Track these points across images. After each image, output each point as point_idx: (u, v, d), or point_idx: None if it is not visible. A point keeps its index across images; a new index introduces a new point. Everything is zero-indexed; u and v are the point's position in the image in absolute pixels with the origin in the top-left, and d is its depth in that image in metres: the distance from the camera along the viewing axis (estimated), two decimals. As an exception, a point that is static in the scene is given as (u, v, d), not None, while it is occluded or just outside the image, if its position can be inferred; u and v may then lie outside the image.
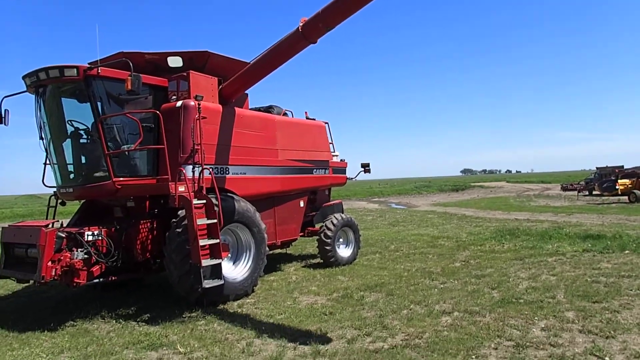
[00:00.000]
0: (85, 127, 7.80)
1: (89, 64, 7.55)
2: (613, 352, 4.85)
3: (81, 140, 7.91)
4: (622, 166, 36.36)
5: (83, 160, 8.04)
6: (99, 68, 7.22)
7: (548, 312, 6.22)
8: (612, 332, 5.38)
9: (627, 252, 10.48)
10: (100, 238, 7.17)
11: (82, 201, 8.64)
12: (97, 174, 7.67)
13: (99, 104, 7.43)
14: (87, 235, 7.02)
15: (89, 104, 7.40)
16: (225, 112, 8.37)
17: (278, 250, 11.80)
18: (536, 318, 6.03)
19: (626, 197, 29.38)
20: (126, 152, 7.68)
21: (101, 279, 7.32)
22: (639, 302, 6.55)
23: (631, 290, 7.18)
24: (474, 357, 4.89)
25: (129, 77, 6.71)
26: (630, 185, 30.18)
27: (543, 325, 5.73)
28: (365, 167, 12.23)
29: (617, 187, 30.91)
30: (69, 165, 8.06)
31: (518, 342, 5.20)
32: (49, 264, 6.51)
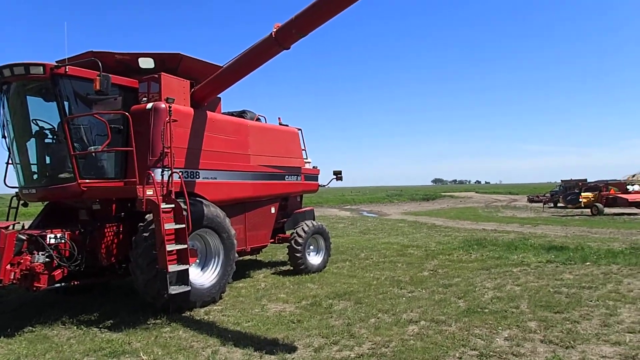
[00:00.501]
0: (50, 127, 7.59)
1: (56, 62, 7.36)
2: (572, 361, 4.98)
3: (46, 140, 7.69)
4: (586, 179, 37.56)
5: (48, 160, 7.81)
6: (67, 67, 7.05)
7: (511, 322, 6.34)
8: (572, 342, 5.53)
9: (588, 263, 10.80)
10: (63, 241, 6.96)
11: (46, 203, 8.39)
12: (62, 175, 7.46)
13: (66, 103, 7.25)
14: (49, 238, 6.81)
15: (55, 103, 7.20)
16: (196, 115, 8.27)
17: (247, 257, 11.70)
18: (500, 328, 6.14)
19: (589, 210, 30.36)
20: (93, 154, 7.50)
21: (63, 284, 7.11)
22: (598, 312, 6.76)
23: (591, 301, 7.40)
24: (438, 366, 4.94)
25: (98, 77, 6.58)
26: (592, 199, 31.19)
27: (506, 335, 5.84)
28: (338, 175, 12.26)
29: (580, 199, 31.89)
30: (32, 166, 7.82)
31: (482, 351, 5.28)
32: (8, 267, 6.29)
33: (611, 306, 7.05)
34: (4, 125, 7.78)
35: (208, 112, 8.64)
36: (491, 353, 5.23)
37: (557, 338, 5.67)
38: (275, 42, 7.27)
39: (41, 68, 6.99)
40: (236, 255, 8.41)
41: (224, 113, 9.80)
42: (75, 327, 6.64)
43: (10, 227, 6.72)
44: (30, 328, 6.62)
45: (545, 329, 6.05)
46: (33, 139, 7.67)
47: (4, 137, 7.89)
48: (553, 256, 11.80)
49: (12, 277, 6.31)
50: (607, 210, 29.95)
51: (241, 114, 10.07)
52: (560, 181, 43.62)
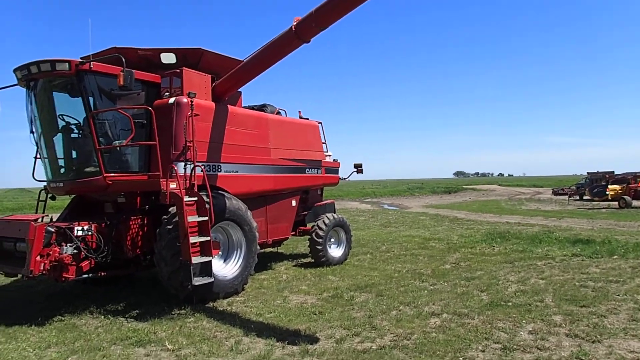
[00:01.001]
0: (76, 122, 7.75)
1: (81, 58, 7.50)
2: (599, 356, 4.89)
3: (72, 135, 7.86)
4: (613, 172, 36.67)
5: (74, 155, 7.99)
6: (91, 63, 7.18)
7: (536, 316, 6.26)
8: (598, 336, 5.43)
9: (615, 257, 10.57)
10: (90, 233, 7.12)
11: (73, 196, 8.59)
12: (87, 169, 7.63)
13: (90, 99, 7.38)
14: (77, 230, 6.96)
15: (80, 98, 7.35)
16: (218, 109, 8.34)
17: (269, 249, 11.78)
18: (524, 321, 6.06)
19: (616, 203, 29.66)
20: (118, 148, 7.64)
21: (90, 275, 7.27)
22: (626, 307, 6.62)
23: (618, 295, 7.25)
24: (461, 359, 4.91)
25: (122, 73, 6.68)
26: (620, 191, 30.46)
27: (530, 329, 5.77)
28: (358, 168, 12.24)
29: (607, 192, 31.19)
30: (59, 160, 8.01)
31: (505, 344, 5.23)
32: (38, 258, 6.45)
33: (639, 300, 6.89)
34: (31, 121, 7.99)
35: (229, 106, 8.70)
36: (515, 346, 5.18)
37: (583, 332, 5.58)
38: (295, 35, 7.26)
39: (67, 64, 7.13)
40: (258, 247, 8.49)
41: (244, 107, 9.86)
42: (102, 317, 6.81)
43: (40, 220, 6.89)
44: (60, 317, 6.81)
45: (570, 322, 5.96)
46: (60, 134, 7.85)
47: (32, 132, 8.10)
48: (579, 249, 11.58)
49: (41, 268, 6.47)
50: (635, 203, 29.19)
51: (262, 108, 10.12)
52: (586, 173, 42.68)
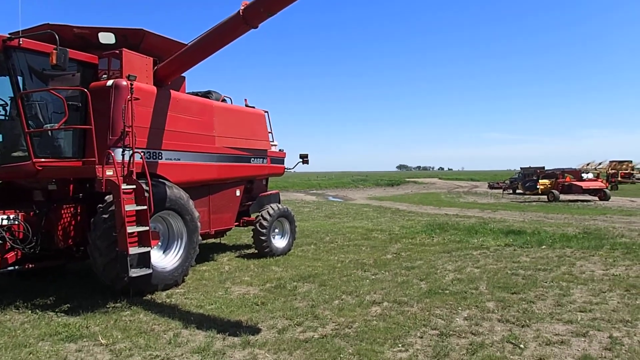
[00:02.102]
0: (2, 103, 7.22)
1: (9, 34, 6.95)
2: (527, 339, 5.17)
3: (-1, 117, 7.32)
4: (544, 167, 38.84)
5: (0, 138, 7.43)
6: (21, 39, 6.68)
7: (471, 303, 6.53)
8: (527, 321, 5.74)
9: (543, 247, 11.22)
10: (16, 222, 6.68)
11: (-2, 183, 8.02)
12: (15, 154, 7.14)
13: (19, 78, 6.89)
14: (2, 219, 6.52)
15: (7, 77, 6.84)
16: (160, 94, 8.03)
17: (212, 240, 11.56)
18: (460, 308, 6.31)
19: (546, 197, 31.48)
20: (49, 132, 7.18)
21: (16, 267, 6.85)
22: (552, 293, 7.04)
23: (545, 282, 7.70)
24: (400, 345, 5.03)
25: (54, 51, 6.26)
26: (549, 186, 32.34)
27: (466, 315, 6.01)
28: (304, 159, 12.23)
29: (538, 186, 33.02)
30: (-17, 143, 7.44)
31: (442, 330, 5.43)
32: (-44, 249, 5.99)
33: (564, 287, 7.36)
34: (-49, 101, 7.35)
35: (172, 91, 8.40)
36: (451, 332, 5.37)
37: (514, 317, 5.88)
38: (243, 20, 7.08)
39: (-8, 40, 6.60)
40: (200, 238, 8.28)
41: (188, 93, 9.56)
42: (29, 312, 6.40)
43: (-41, 208, 6.39)
44: (-19, 313, 6.35)
45: (502, 308, 6.26)
46: (-17, 116, 7.28)
47: (-49, 112, 7.46)
48: (511, 240, 12.20)
49: (-40, 260, 6.02)
50: (562, 197, 31.12)
51: (206, 95, 9.85)
52: (519, 168, 44.98)
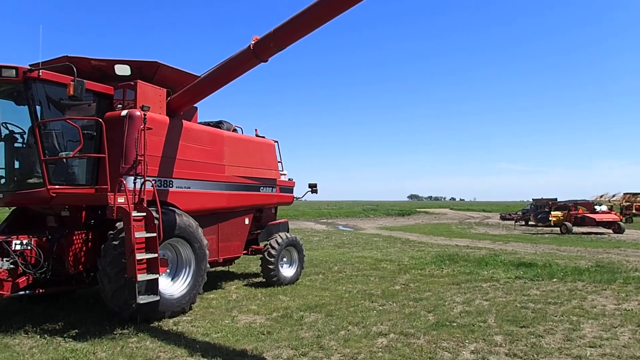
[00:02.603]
0: (21, 131, 7.47)
1: (30, 65, 7.26)
2: (535, 374, 5.09)
3: (16, 144, 7.57)
4: (556, 199, 38.55)
5: (17, 165, 7.67)
6: (40, 71, 6.97)
7: (478, 336, 6.45)
8: (535, 355, 5.65)
9: (554, 280, 11.06)
10: (29, 247, 6.81)
11: (13, 208, 8.20)
12: (30, 180, 7.34)
13: (38, 107, 7.16)
14: (15, 244, 6.66)
15: (26, 107, 7.11)
16: (172, 124, 8.24)
17: (220, 268, 11.60)
18: (467, 341, 6.23)
19: (558, 228, 31.12)
20: (64, 160, 7.39)
21: (27, 291, 6.95)
22: (562, 327, 6.93)
23: (555, 316, 7.58)
24: (405, 378, 4.98)
25: (72, 82, 6.52)
26: (562, 217, 32.01)
27: (473, 348, 5.94)
28: (313, 188, 12.34)
29: (550, 218, 32.69)
30: (0, 170, 7.65)
31: (448, 364, 5.37)
32: (-30, 273, 6.12)
33: (575, 321, 7.24)
34: (-28, 128, 7.62)
35: (184, 122, 8.61)
36: (457, 366, 5.31)
37: (522, 351, 5.79)
38: (253, 54, 7.34)
39: (14, 71, 6.90)
40: (208, 265, 8.33)
41: (200, 123, 9.78)
42: (38, 337, 6.46)
43: (-26, 233, 6.55)
44: (-9, 337, 6.42)
45: (510, 342, 6.17)
46: (2, 143, 7.53)
47: (-29, 140, 7.72)
48: (522, 272, 12.05)
49: (-26, 284, 6.13)
50: (575, 229, 30.76)
51: (218, 124, 10.06)
52: (531, 200, 44.64)
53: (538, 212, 36.26)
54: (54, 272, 7.14)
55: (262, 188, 10.52)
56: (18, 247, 6.69)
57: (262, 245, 10.90)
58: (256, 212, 10.87)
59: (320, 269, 12.85)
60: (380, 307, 8.28)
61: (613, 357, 5.63)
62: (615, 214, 31.91)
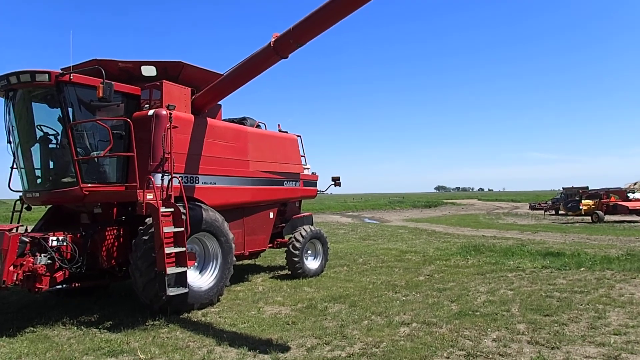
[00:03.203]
0: (54, 132, 7.81)
1: (61, 69, 7.59)
2: (556, 361, 5.12)
3: (50, 145, 7.91)
4: (587, 187, 37.60)
5: (51, 165, 8.02)
6: (71, 74, 7.28)
7: (501, 324, 6.49)
8: (557, 343, 5.67)
9: (582, 269, 10.92)
10: (65, 244, 7.13)
11: (49, 206, 8.60)
12: (64, 180, 7.67)
13: (69, 109, 7.46)
14: (52, 240, 6.98)
15: (59, 109, 7.44)
16: (197, 122, 8.48)
17: (246, 261, 11.87)
18: (489, 329, 6.29)
19: (589, 217, 30.41)
20: (95, 159, 7.71)
21: (64, 285, 7.28)
22: (587, 315, 6.90)
23: (581, 305, 7.54)
24: (426, 365, 5.09)
25: (101, 85, 6.80)
26: (593, 206, 31.26)
27: (495, 337, 5.99)
28: (336, 181, 12.45)
29: (581, 207, 31.96)
30: (36, 170, 8.03)
31: (469, 351, 5.44)
32: (11, 268, 6.45)
33: (600, 310, 7.19)
34: (9, 131, 8.02)
35: (208, 119, 8.85)
36: (478, 353, 5.38)
37: (544, 339, 5.81)
38: (274, 51, 7.48)
39: (47, 76, 7.22)
40: (234, 259, 8.57)
41: (224, 119, 10.01)
42: (75, 328, 6.81)
43: (14, 230, 6.89)
44: (32, 328, 6.79)
45: (533, 330, 6.20)
46: (37, 144, 7.88)
47: (9, 142, 8.12)
48: (549, 262, 11.93)
49: (14, 279, 6.46)
50: (607, 217, 30.01)
51: (241, 121, 10.28)
52: (561, 189, 43.67)
53: (568, 200, 35.49)
54: (89, 267, 7.45)
55: (285, 182, 10.70)
56: (55, 244, 7.02)
57: (287, 238, 11.10)
58: (280, 206, 11.07)
59: (345, 261, 12.99)
60: (404, 298, 8.37)
61: (638, 344, 5.60)
62: (650, 202, 30.97)
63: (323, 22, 6.96)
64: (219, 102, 9.57)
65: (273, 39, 7.42)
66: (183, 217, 7.20)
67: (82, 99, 7.54)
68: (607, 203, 30.54)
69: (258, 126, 10.56)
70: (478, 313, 7.13)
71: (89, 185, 7.49)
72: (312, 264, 10.90)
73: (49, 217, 8.48)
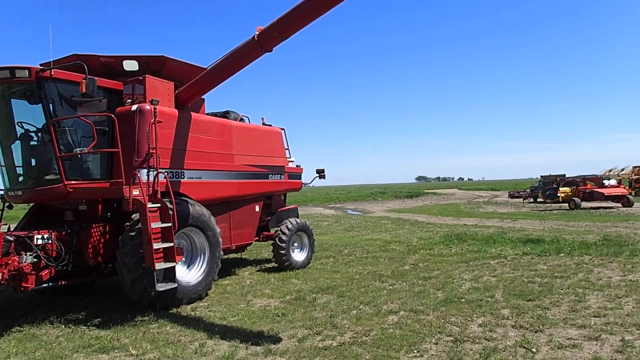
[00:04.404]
0: (36, 129, 7.69)
1: (41, 65, 7.46)
2: (540, 343, 5.30)
3: (32, 142, 7.80)
4: (564, 175, 38.43)
5: (33, 162, 7.90)
6: (52, 70, 7.17)
7: (486, 310, 6.67)
8: (540, 326, 5.86)
9: (562, 255, 11.23)
10: (50, 242, 7.06)
11: (31, 205, 8.48)
12: (47, 177, 7.58)
13: (51, 106, 7.35)
14: (37, 238, 6.90)
15: (40, 105, 7.32)
16: (181, 116, 8.44)
17: (233, 255, 11.89)
18: (475, 315, 6.46)
19: (567, 204, 31.13)
20: (79, 155, 7.62)
21: (50, 284, 7.21)
22: (567, 299, 7.13)
23: (562, 289, 7.77)
24: (415, 351, 5.22)
25: (84, 80, 6.72)
26: (570, 193, 31.98)
27: (480, 322, 6.16)
28: (320, 173, 12.52)
29: (558, 194, 32.67)
30: (18, 168, 7.91)
31: (456, 337, 5.59)
32: (-4, 267, 6.38)
33: (580, 293, 7.43)
34: (-12, 128, 7.86)
35: (192, 113, 8.81)
36: (465, 338, 5.53)
37: (528, 323, 6.00)
38: (258, 45, 7.48)
39: (27, 72, 7.10)
40: (222, 253, 8.59)
41: (208, 114, 9.97)
42: (63, 326, 6.76)
43: (-3, 229, 6.81)
44: (19, 328, 6.72)
45: (517, 315, 6.39)
46: (18, 142, 7.76)
47: (-12, 139, 7.96)
48: (529, 249, 12.23)
49: (0, 278, 6.40)
50: (584, 204, 30.75)
51: (225, 115, 10.25)
52: (540, 177, 44.55)
53: (546, 188, 36.23)
54: (75, 265, 7.40)
55: (270, 175, 10.73)
56: (40, 242, 6.94)
57: (273, 231, 11.15)
58: (266, 199, 11.10)
59: (331, 253, 13.10)
60: (390, 287, 8.51)
61: (616, 325, 5.82)
62: (624, 188, 31.82)
63: (307, 15, 6.98)
64: (202, 97, 9.52)
65: (257, 33, 7.42)
66: (170, 212, 7.18)
67: (63, 94, 7.44)
68: (583, 190, 31.28)
69: (241, 120, 10.55)
70: (463, 300, 7.30)
71: (73, 182, 7.41)
72: (298, 256, 10.97)
73: (32, 215, 8.36)
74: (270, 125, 11.40)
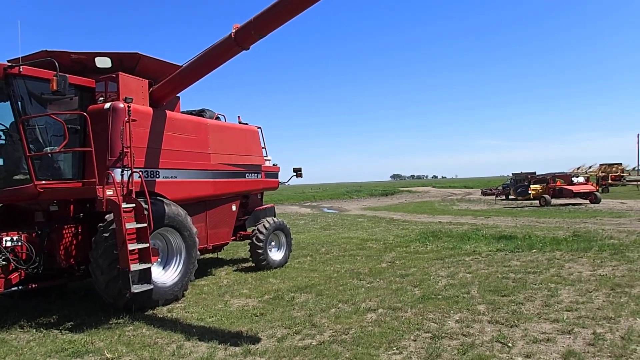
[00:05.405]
0: (4, 128, 7.44)
1: (8, 61, 7.22)
2: (515, 338, 5.42)
3: (0, 142, 7.54)
4: (535, 172, 39.30)
5: (1, 162, 7.65)
6: (21, 66, 6.94)
7: (462, 306, 6.77)
8: (516, 321, 5.99)
9: (534, 251, 11.50)
10: (19, 244, 6.86)
11: (0, 205, 8.20)
12: (17, 177, 7.35)
13: (19, 103, 7.12)
14: (5, 240, 6.70)
15: (9, 103, 7.09)
16: (155, 114, 8.29)
17: (209, 255, 11.76)
18: (452, 311, 6.55)
19: (537, 201, 31.86)
20: (49, 154, 7.41)
21: (20, 287, 7.01)
22: (541, 294, 7.30)
23: (535, 284, 7.95)
24: (394, 348, 5.26)
25: (55, 77, 6.52)
26: (541, 190, 32.73)
27: (457, 318, 6.25)
28: (297, 172, 12.50)
29: (529, 191, 33.41)
30: (-15, 167, 7.64)
31: (434, 333, 5.66)
32: (-37, 271, 6.16)
33: (552, 288, 7.62)
34: (-46, 127, 7.56)
35: (167, 112, 8.66)
36: (443, 334, 5.61)
37: (503, 318, 6.12)
38: (235, 42, 7.41)
39: (-7, 68, 6.85)
40: (198, 253, 8.48)
41: (183, 112, 9.82)
42: (34, 330, 6.57)
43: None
44: (-13, 333, 6.51)
45: (492, 311, 6.51)
46: (-15, 141, 7.50)
47: (-46, 138, 7.67)
48: (502, 245, 12.48)
49: (-33, 282, 6.19)
50: (554, 201, 31.51)
51: (200, 113, 10.11)
52: (511, 174, 45.46)
53: (518, 186, 37.00)
54: (46, 267, 7.20)
55: (247, 174, 10.65)
56: (9, 244, 6.74)
57: (250, 230, 11.07)
58: (243, 199, 11.02)
59: (308, 251, 13.10)
60: (368, 285, 8.56)
61: (588, 318, 5.99)
62: (592, 185, 32.73)
63: (285, 14, 6.95)
64: (178, 95, 9.37)
65: (234, 30, 7.34)
66: (145, 212, 7.05)
67: (33, 92, 7.22)
68: (553, 187, 32.05)
69: (217, 118, 10.43)
70: (440, 296, 7.40)
71: (44, 182, 7.20)
72: (276, 255, 10.93)
73: (0, 217, 8.09)
74: (246, 124, 11.31)
